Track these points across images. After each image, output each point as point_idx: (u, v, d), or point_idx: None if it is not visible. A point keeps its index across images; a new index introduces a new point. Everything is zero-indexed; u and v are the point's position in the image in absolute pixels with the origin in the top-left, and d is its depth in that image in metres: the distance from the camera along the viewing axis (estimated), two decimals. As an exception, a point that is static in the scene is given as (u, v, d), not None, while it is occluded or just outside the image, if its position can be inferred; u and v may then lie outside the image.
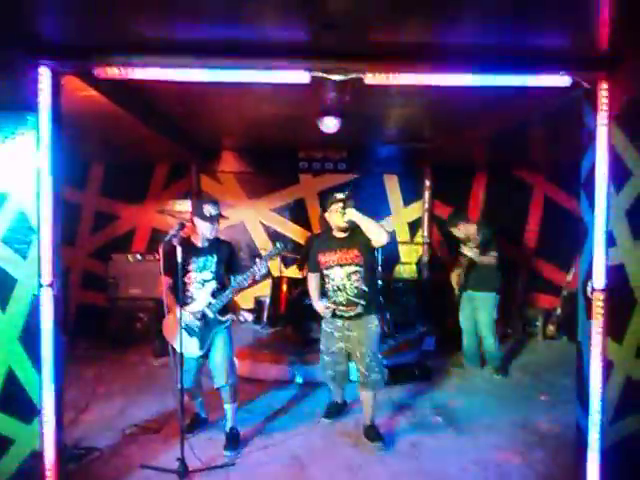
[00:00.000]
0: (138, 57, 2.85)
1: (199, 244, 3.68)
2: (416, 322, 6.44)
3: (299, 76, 2.95)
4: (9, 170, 2.75)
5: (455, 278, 5.56)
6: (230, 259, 3.75)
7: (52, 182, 2.82)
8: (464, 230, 5.42)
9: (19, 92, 2.73)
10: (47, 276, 2.78)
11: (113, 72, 2.89)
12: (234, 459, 3.52)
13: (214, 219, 3.59)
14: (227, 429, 3.72)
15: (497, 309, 5.34)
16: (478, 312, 5.39)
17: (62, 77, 2.87)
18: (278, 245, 3.73)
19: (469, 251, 5.23)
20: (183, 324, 3.42)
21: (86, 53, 2.80)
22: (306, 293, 5.66)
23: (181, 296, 3.43)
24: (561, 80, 2.99)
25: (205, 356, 3.69)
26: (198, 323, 3.58)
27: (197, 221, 3.61)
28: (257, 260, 3.63)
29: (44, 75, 2.75)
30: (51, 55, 2.74)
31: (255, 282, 3.72)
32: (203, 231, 3.62)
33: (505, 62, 3.00)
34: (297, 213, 7.35)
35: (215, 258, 3.68)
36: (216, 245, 3.73)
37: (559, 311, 6.49)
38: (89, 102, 3.73)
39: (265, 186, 7.30)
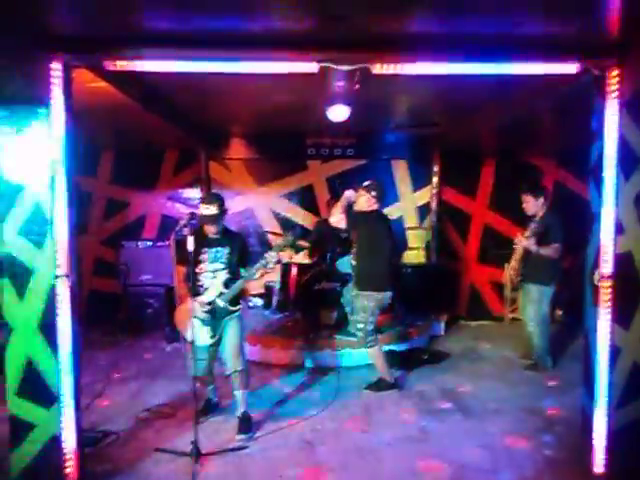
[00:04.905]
0: (147, 49, 2.87)
1: (211, 235, 3.72)
2: (425, 307, 6.48)
3: (307, 66, 2.96)
4: (24, 163, 2.80)
5: (509, 272, 5.24)
6: (241, 250, 3.79)
7: (66, 174, 2.86)
8: (531, 205, 4.95)
9: (31, 85, 2.77)
10: (63, 267, 2.84)
11: (123, 64, 2.93)
12: (246, 442, 3.60)
13: (208, 219, 3.61)
14: (239, 414, 3.79)
15: (550, 303, 5.00)
16: (527, 304, 5.10)
17: (73, 70, 2.90)
18: (288, 236, 3.78)
19: (521, 241, 4.78)
20: (195, 314, 3.48)
21: (97, 46, 2.83)
22: (315, 278, 5.75)
23: (193, 286, 3.48)
24: (571, 67, 2.98)
25: (217, 344, 3.76)
26: (209, 312, 3.65)
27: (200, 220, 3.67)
28: (268, 251, 3.66)
29: (56, 68, 2.78)
30: (63, 49, 2.77)
31: (266, 272, 3.75)
32: (206, 229, 3.69)
33: (514, 50, 2.99)
34: (306, 199, 7.37)
35: (227, 249, 3.72)
36: (228, 236, 3.78)
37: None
38: (99, 93, 3.76)
39: (274, 172, 7.32)
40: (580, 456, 3.22)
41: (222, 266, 3.70)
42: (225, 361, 3.76)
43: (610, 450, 3.01)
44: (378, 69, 2.96)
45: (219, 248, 3.72)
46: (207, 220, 3.62)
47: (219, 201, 3.65)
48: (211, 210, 3.60)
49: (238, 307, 3.76)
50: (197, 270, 3.65)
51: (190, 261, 3.33)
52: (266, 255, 3.63)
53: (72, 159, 2.91)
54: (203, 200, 3.72)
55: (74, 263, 2.92)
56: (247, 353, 4.01)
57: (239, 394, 3.80)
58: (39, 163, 2.81)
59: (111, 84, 3.59)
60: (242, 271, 3.72)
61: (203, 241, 3.66)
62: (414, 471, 3.26)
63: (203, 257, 3.68)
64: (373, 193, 4.39)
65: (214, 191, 3.75)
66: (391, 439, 3.68)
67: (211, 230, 3.67)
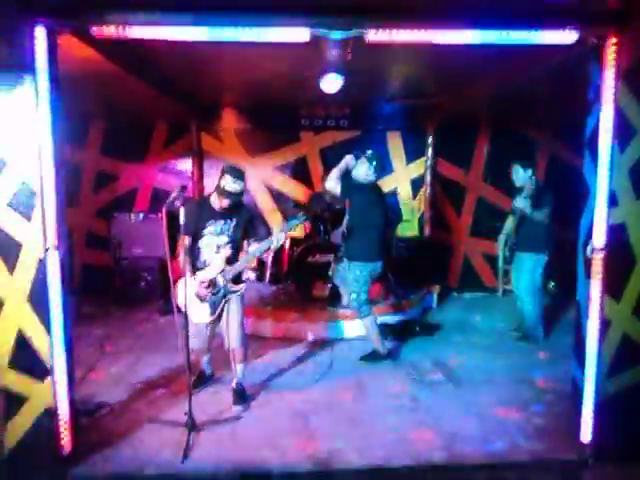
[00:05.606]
0: (135, 15, 2.77)
1: (218, 207, 3.57)
2: (418, 279, 6.50)
3: (299, 34, 2.88)
4: (9, 133, 2.73)
5: (502, 237, 5.32)
6: (248, 224, 3.68)
7: (52, 144, 2.79)
8: (519, 176, 5.00)
9: (15, 52, 2.67)
10: (53, 240, 2.80)
11: (110, 31, 2.83)
12: (240, 413, 3.63)
13: (231, 196, 3.47)
14: (234, 385, 3.82)
15: (543, 272, 5.00)
16: (520, 273, 5.09)
17: (58, 36, 2.81)
18: (299, 216, 3.64)
19: (520, 202, 4.79)
20: (194, 292, 3.43)
21: (82, 11, 2.73)
22: (309, 251, 5.74)
23: (191, 259, 3.42)
24: (568, 36, 2.91)
25: (217, 320, 3.71)
26: (210, 289, 3.57)
27: (216, 190, 3.52)
28: (276, 231, 3.55)
29: (40, 34, 2.69)
30: (46, 14, 2.67)
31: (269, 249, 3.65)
32: (217, 200, 3.55)
33: (509, 17, 2.91)
34: (299, 171, 7.30)
35: (234, 222, 3.61)
36: (236, 209, 3.62)
37: None
38: (87, 61, 3.66)
39: (266, 144, 7.23)
40: (569, 425, 3.27)
41: (227, 239, 3.60)
42: (225, 337, 3.71)
43: (598, 420, 3.06)
44: (372, 36, 2.88)
45: (226, 220, 3.60)
46: (232, 196, 3.46)
47: (244, 178, 3.52)
48: (238, 187, 3.46)
49: (241, 285, 3.67)
50: (199, 244, 3.58)
51: (187, 233, 3.27)
52: (275, 234, 3.53)
53: (58, 128, 2.84)
54: (230, 173, 3.46)
55: (63, 235, 2.88)
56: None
57: (236, 367, 3.81)
58: (25, 134, 2.73)
59: (99, 52, 3.50)
60: (248, 249, 3.62)
61: (209, 212, 3.55)
62: (406, 440, 3.31)
63: (208, 229, 3.57)
64: (374, 163, 4.37)
65: (236, 166, 3.59)
66: (384, 409, 3.73)
67: (225, 203, 3.52)
